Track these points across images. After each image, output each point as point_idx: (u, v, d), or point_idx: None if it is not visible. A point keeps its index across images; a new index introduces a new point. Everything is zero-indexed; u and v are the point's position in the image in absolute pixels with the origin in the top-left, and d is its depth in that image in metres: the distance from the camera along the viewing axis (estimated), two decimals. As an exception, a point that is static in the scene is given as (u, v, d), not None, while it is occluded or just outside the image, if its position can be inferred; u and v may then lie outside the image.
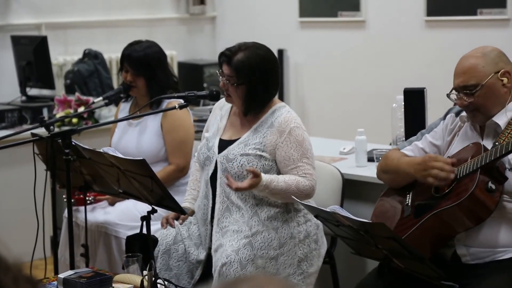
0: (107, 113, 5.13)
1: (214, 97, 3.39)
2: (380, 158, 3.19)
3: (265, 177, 3.13)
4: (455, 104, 3.03)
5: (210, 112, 3.56)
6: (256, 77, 3.20)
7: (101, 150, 3.15)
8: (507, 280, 2.66)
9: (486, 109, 2.79)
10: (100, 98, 3.88)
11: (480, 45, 2.89)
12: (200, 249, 3.33)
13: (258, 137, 3.25)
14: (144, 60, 3.83)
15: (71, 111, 4.99)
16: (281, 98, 6.08)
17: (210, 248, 3.31)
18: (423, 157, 2.87)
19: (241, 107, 3.27)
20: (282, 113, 3.27)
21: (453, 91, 2.84)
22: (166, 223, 3.43)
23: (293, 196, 3.04)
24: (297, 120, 3.26)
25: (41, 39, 5.37)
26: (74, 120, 4.98)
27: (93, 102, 4.18)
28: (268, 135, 3.24)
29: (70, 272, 2.97)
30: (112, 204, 3.85)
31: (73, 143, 3.21)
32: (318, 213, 2.81)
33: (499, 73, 2.77)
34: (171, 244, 3.34)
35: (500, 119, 2.79)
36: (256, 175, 3.10)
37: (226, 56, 3.22)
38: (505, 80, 2.78)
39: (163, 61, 3.91)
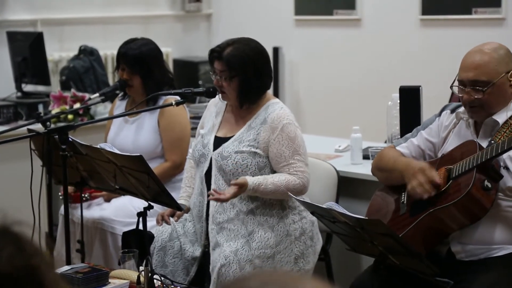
0: (102, 110, 5.13)
1: (211, 94, 3.40)
2: (376, 155, 3.20)
3: (251, 182, 3.15)
4: (451, 100, 3.04)
5: (206, 109, 3.57)
6: (248, 68, 3.22)
7: (98, 146, 3.16)
8: (501, 277, 2.67)
9: (490, 107, 2.79)
10: (97, 94, 3.88)
11: (475, 45, 2.88)
12: (195, 246, 3.34)
13: (252, 133, 3.26)
14: (139, 58, 3.84)
15: (67, 107, 4.99)
16: (276, 95, 6.08)
17: (205, 245, 3.32)
18: (418, 166, 2.85)
19: (236, 100, 3.27)
20: (275, 109, 3.28)
21: (456, 83, 2.83)
22: (162, 220, 3.44)
23: (289, 193, 3.06)
24: (289, 116, 3.27)
25: (37, 35, 5.36)
26: (70, 116, 4.97)
27: (89, 99, 4.19)
28: (261, 132, 3.25)
29: (67, 267, 2.98)
30: (108, 200, 3.85)
31: (70, 139, 3.22)
32: (314, 210, 2.82)
33: (510, 73, 2.77)
34: (166, 241, 3.35)
35: (500, 117, 2.79)
36: (241, 186, 3.12)
37: (216, 52, 3.24)
38: None
39: (159, 58, 3.92)
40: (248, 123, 3.29)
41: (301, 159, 3.24)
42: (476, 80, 2.76)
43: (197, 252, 3.33)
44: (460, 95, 2.82)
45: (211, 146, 3.32)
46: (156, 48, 3.94)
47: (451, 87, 2.85)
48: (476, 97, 2.76)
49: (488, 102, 2.77)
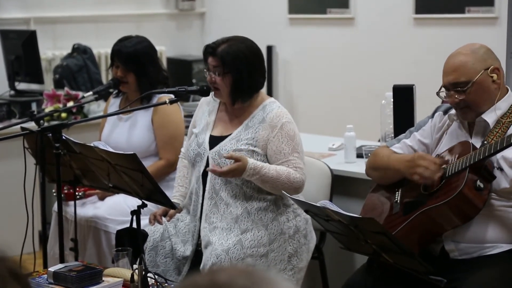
0: (96, 108, 5.13)
1: (205, 93, 3.40)
2: (369, 155, 3.21)
3: (253, 162, 3.14)
4: (443, 102, 3.05)
5: (197, 108, 3.56)
6: (242, 65, 3.22)
7: (92, 145, 3.15)
8: (494, 275, 2.68)
9: (477, 106, 2.80)
10: (90, 92, 3.88)
11: (468, 43, 2.91)
12: (186, 246, 3.33)
13: (250, 132, 3.26)
14: (134, 55, 3.84)
15: (60, 105, 4.99)
16: (270, 94, 6.09)
17: (197, 244, 3.31)
18: (413, 155, 2.89)
19: (229, 97, 3.27)
20: (273, 108, 3.29)
21: (442, 89, 2.85)
22: (154, 219, 3.43)
23: (283, 191, 3.06)
24: (288, 115, 3.28)
25: (30, 34, 5.35)
26: (63, 114, 4.97)
27: (83, 97, 4.18)
28: (260, 130, 3.25)
29: (60, 265, 2.97)
30: (101, 198, 3.85)
31: (63, 137, 3.21)
32: (308, 208, 2.82)
33: (489, 69, 2.79)
34: (158, 241, 3.35)
35: (489, 117, 2.80)
36: (238, 160, 3.11)
37: (211, 48, 3.25)
38: (494, 76, 2.80)
39: (153, 56, 3.92)
40: (245, 123, 3.29)
41: (300, 157, 3.25)
42: (456, 82, 2.78)
43: (188, 251, 3.32)
44: (447, 100, 2.84)
45: (207, 145, 3.32)
46: (150, 46, 3.94)
47: (438, 94, 2.87)
48: (459, 98, 2.78)
49: (473, 101, 2.79)
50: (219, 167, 3.17)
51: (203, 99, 3.50)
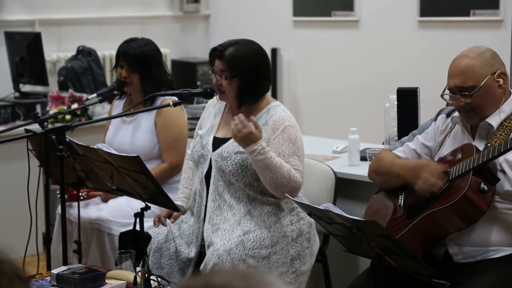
0: (100, 110, 5.13)
1: (209, 95, 3.40)
2: (372, 158, 3.20)
3: (264, 143, 3.13)
4: (447, 105, 3.04)
5: (204, 109, 3.57)
6: (248, 69, 3.22)
7: (95, 147, 3.16)
8: (498, 278, 2.68)
9: (482, 110, 2.79)
10: (94, 94, 3.89)
11: (474, 46, 2.90)
12: (191, 247, 3.33)
13: (253, 135, 3.25)
14: (140, 57, 3.85)
15: (65, 107, 4.99)
16: (274, 96, 6.09)
17: (201, 246, 3.31)
18: (416, 163, 2.87)
19: (235, 100, 3.27)
20: (277, 111, 3.28)
21: (447, 91, 2.84)
22: (158, 221, 3.44)
23: (286, 194, 3.05)
24: (291, 119, 3.27)
25: (35, 36, 5.36)
26: (68, 116, 4.98)
27: (87, 99, 4.19)
28: (262, 133, 3.24)
29: (63, 268, 2.98)
30: (105, 200, 3.85)
31: (67, 139, 3.22)
32: (311, 211, 2.82)
33: (496, 74, 2.78)
34: (162, 243, 3.35)
35: (494, 120, 2.80)
36: (256, 126, 3.10)
37: (218, 51, 3.24)
38: (501, 81, 2.79)
39: (158, 59, 3.93)
40: (249, 125, 3.29)
41: (300, 160, 3.23)
42: (463, 86, 2.77)
43: (192, 253, 3.32)
44: (451, 103, 2.83)
45: (210, 147, 3.32)
46: (156, 49, 3.95)
47: (442, 96, 2.86)
48: (465, 102, 2.77)
49: (479, 105, 2.78)
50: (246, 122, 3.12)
51: (210, 101, 3.50)
